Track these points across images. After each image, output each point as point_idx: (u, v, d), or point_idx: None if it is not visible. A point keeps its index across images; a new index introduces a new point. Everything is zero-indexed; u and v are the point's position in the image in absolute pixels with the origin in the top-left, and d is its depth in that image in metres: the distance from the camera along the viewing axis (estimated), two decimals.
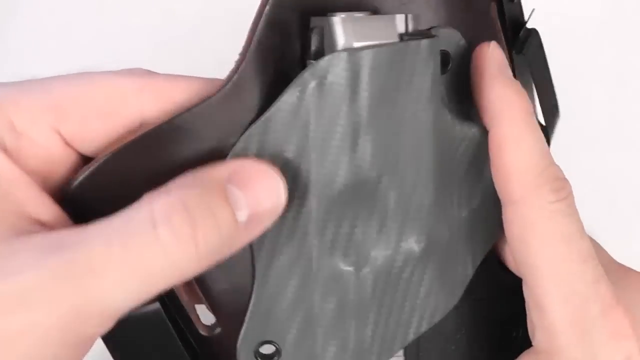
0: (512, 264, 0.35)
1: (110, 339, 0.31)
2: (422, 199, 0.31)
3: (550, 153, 0.32)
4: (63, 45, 0.58)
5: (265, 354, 0.33)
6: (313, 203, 0.30)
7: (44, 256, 0.25)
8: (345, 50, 0.29)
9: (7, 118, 0.29)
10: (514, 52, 0.37)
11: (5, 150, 0.28)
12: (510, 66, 0.33)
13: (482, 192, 0.35)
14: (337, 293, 0.32)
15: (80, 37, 0.59)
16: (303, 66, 0.30)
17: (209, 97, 0.29)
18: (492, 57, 0.32)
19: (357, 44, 0.29)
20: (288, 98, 0.29)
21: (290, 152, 0.30)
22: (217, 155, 0.30)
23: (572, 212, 0.32)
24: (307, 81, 0.29)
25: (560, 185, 0.32)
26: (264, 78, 0.30)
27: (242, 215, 0.27)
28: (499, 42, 0.34)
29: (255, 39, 0.30)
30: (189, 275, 0.27)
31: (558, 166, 0.32)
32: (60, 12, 0.59)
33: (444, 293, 0.34)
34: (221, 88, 0.30)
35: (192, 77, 0.31)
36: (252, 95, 0.30)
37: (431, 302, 0.33)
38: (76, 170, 0.30)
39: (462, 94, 0.33)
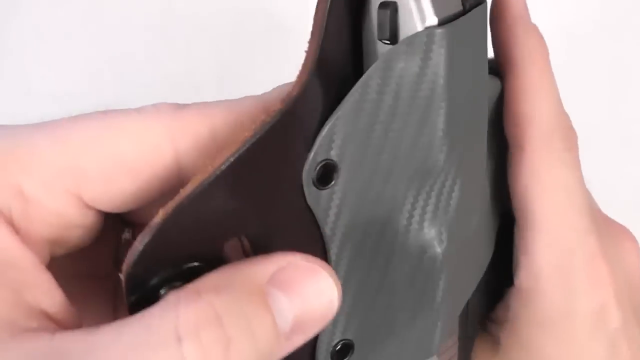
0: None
1: None
2: (480, 185, 0.31)
3: (562, 102, 0.33)
4: (63, 45, 0.58)
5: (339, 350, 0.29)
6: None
7: None
8: (429, 28, 0.25)
9: (15, 183, 0.24)
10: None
11: (11, 222, 0.24)
12: None
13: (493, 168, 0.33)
14: (421, 271, 0.29)
15: (80, 37, 0.59)
16: (358, 71, 0.27)
17: (290, 96, 0.24)
18: (520, 1, 0.32)
19: (434, 20, 0.25)
20: (368, 80, 0.25)
21: (371, 141, 0.26)
22: (297, 158, 0.25)
23: (576, 164, 0.32)
24: (391, 61, 0.25)
25: (570, 135, 0.32)
26: (340, 62, 0.26)
27: (286, 324, 0.23)
28: None
29: (328, 26, 0.25)
30: None
31: (568, 115, 0.33)
32: (60, 12, 0.59)
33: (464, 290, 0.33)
34: (303, 80, 0.25)
35: (223, 101, 0.27)
36: (330, 82, 0.26)
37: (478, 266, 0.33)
38: (96, 229, 0.26)
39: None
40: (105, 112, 0.26)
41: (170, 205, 0.23)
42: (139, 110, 0.26)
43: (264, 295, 0.23)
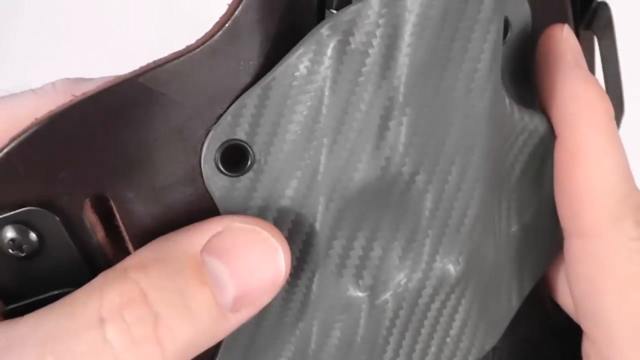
0: (568, 306, 0.28)
1: None
2: (466, 206, 0.24)
3: (632, 174, 0.25)
4: (63, 45, 0.58)
5: None
6: (319, 206, 0.23)
7: None
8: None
9: None
10: (580, 27, 0.30)
11: None
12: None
13: (537, 204, 0.27)
14: (343, 326, 0.24)
15: (80, 37, 0.58)
16: (321, 17, 0.23)
17: (189, 50, 0.22)
18: (568, 44, 0.26)
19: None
20: (297, 61, 0.21)
21: (293, 134, 0.22)
22: (195, 131, 0.22)
23: None
24: (324, 40, 0.21)
25: None
26: (266, 28, 0.22)
27: (227, 297, 0.21)
28: (566, 14, 0.27)
29: None
30: None
31: (638, 189, 0.26)
32: (60, 12, 0.59)
33: (482, 329, 0.26)
34: (208, 38, 0.22)
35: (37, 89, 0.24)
36: (249, 51, 0.22)
37: (465, 340, 0.26)
38: None
39: (520, 74, 0.27)
40: (3, 97, 0.24)
41: (59, 110, 0.21)
42: (35, 90, 0.24)
43: (198, 266, 0.20)
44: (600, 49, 0.31)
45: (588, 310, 0.25)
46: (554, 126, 0.26)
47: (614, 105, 0.28)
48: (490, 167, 0.24)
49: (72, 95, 0.22)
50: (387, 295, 0.24)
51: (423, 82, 0.22)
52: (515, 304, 0.27)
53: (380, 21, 0.21)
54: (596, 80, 0.25)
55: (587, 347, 0.26)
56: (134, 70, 0.21)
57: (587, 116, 0.25)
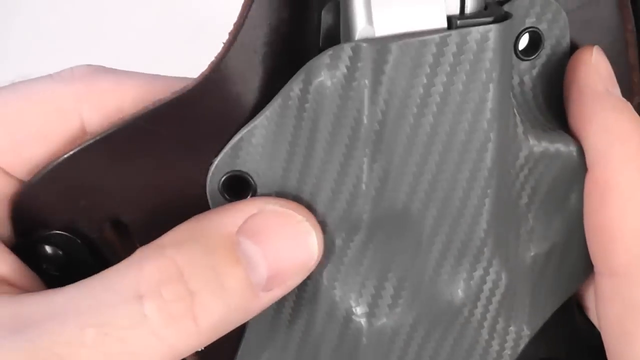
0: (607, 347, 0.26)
1: None
2: (470, 234, 0.24)
3: None
4: (63, 45, 0.58)
5: None
6: (323, 228, 0.24)
7: (1, 337, 0.20)
8: (362, 40, 0.21)
9: None
10: None
11: None
12: (635, 44, 0.26)
13: (565, 227, 0.26)
14: (342, 342, 0.25)
15: (80, 37, 0.59)
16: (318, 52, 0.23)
17: (185, 90, 0.23)
18: (597, 69, 0.24)
19: (379, 32, 0.21)
20: (289, 94, 0.22)
21: (292, 165, 0.23)
22: (198, 164, 0.24)
23: None
24: (314, 74, 0.22)
25: None
26: (264, 63, 0.23)
27: (259, 277, 0.22)
28: (628, 11, 0.25)
29: (252, 9, 0.22)
30: (188, 354, 0.22)
31: None
32: (60, 12, 0.59)
33: (494, 352, 0.26)
34: (203, 79, 0.23)
35: (145, 74, 0.25)
36: (247, 86, 0.23)
37: None
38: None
39: (553, 89, 0.25)
40: (19, 82, 0.26)
41: (72, 152, 0.23)
42: (53, 75, 0.25)
43: (233, 246, 0.21)
44: None
45: (617, 350, 0.25)
46: (587, 158, 0.25)
47: None
48: (499, 193, 0.24)
49: (87, 84, 0.24)
50: (384, 323, 0.25)
51: (412, 113, 0.22)
52: (534, 326, 0.27)
53: (366, 62, 0.21)
54: (629, 108, 0.24)
55: None
56: (135, 112, 0.23)
57: (619, 150, 0.23)
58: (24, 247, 0.25)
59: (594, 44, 0.25)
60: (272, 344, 0.26)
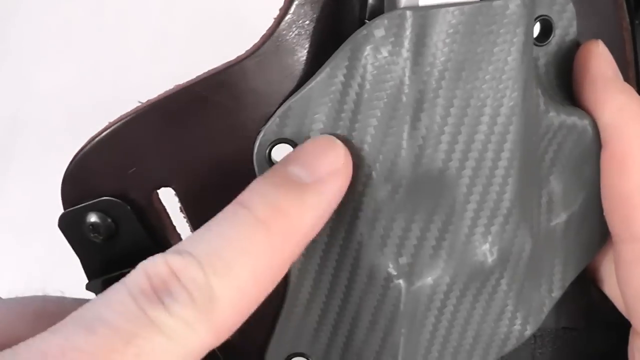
0: (616, 298, 0.29)
1: None
2: (500, 196, 0.26)
3: None
4: (63, 45, 0.58)
5: None
6: (366, 192, 0.25)
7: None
8: (406, 8, 0.23)
9: None
10: (637, 22, 0.30)
11: None
12: (631, 41, 0.29)
13: (581, 200, 0.28)
14: (381, 304, 0.26)
15: (80, 37, 0.59)
16: (361, 25, 0.25)
17: (239, 60, 0.25)
18: (605, 58, 0.27)
19: (423, 2, 0.24)
20: (336, 65, 0.24)
21: (338, 131, 0.25)
22: (248, 130, 0.25)
23: None
24: (360, 45, 0.24)
25: None
26: (312, 37, 0.25)
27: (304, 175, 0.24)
28: (621, 8, 0.28)
29: None
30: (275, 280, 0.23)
31: None
32: (60, 12, 0.59)
33: (521, 317, 0.28)
34: (255, 49, 0.25)
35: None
36: (292, 60, 0.25)
37: (502, 327, 0.27)
38: None
39: (563, 74, 0.28)
40: None
41: (129, 118, 0.25)
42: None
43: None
44: None
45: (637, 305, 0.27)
46: (601, 135, 0.27)
47: None
48: (524, 159, 0.26)
49: None
50: (422, 282, 0.26)
51: (450, 81, 0.24)
52: (556, 294, 0.28)
53: (406, 29, 0.23)
54: (634, 91, 0.27)
55: (637, 342, 0.28)
56: (190, 80, 0.25)
57: (633, 127, 0.26)
58: (72, 215, 0.26)
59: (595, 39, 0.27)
60: (311, 313, 0.27)
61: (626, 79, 0.28)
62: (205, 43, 0.55)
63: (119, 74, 0.58)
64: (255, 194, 0.23)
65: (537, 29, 0.27)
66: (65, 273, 0.29)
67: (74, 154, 0.27)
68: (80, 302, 0.26)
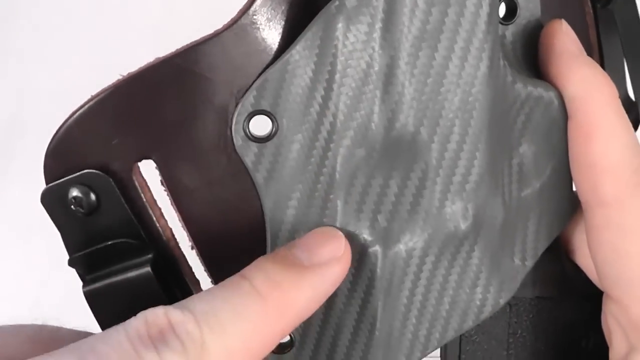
0: (587, 267, 0.30)
1: (97, 303, 0.27)
2: (471, 162, 0.27)
3: None
4: (63, 45, 0.58)
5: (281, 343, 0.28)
6: (339, 157, 0.26)
7: None
8: None
9: None
10: (598, 5, 0.31)
11: None
12: (594, 26, 0.29)
13: (549, 170, 0.29)
14: (359, 271, 0.27)
15: (80, 37, 0.59)
16: None
17: (217, 33, 0.25)
18: (569, 35, 0.28)
19: None
20: (310, 37, 0.25)
21: (313, 101, 0.25)
22: (226, 102, 0.26)
23: None
24: (332, 16, 0.25)
25: None
26: (287, 11, 0.26)
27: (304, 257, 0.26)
28: None
29: None
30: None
31: None
32: (60, 12, 0.59)
33: (495, 285, 0.28)
34: (233, 22, 0.25)
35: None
36: (269, 33, 0.26)
37: (477, 294, 0.28)
38: None
39: (529, 52, 0.29)
40: None
41: (109, 88, 0.26)
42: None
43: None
44: (619, 26, 0.32)
45: (612, 273, 0.27)
46: (567, 107, 0.28)
47: (636, 77, 0.32)
48: (493, 128, 0.27)
49: None
50: (399, 248, 0.27)
51: (420, 49, 0.25)
52: (529, 263, 0.29)
53: (379, 0, 0.25)
54: (598, 65, 0.28)
55: (610, 307, 0.28)
56: (171, 52, 0.25)
57: (598, 97, 0.27)
58: (56, 189, 0.26)
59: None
60: None
61: None
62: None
63: (119, 74, 0.58)
64: (257, 269, 0.25)
65: (502, 9, 0.28)
66: (65, 273, 0.30)
67: None
68: (76, 332, 0.29)
